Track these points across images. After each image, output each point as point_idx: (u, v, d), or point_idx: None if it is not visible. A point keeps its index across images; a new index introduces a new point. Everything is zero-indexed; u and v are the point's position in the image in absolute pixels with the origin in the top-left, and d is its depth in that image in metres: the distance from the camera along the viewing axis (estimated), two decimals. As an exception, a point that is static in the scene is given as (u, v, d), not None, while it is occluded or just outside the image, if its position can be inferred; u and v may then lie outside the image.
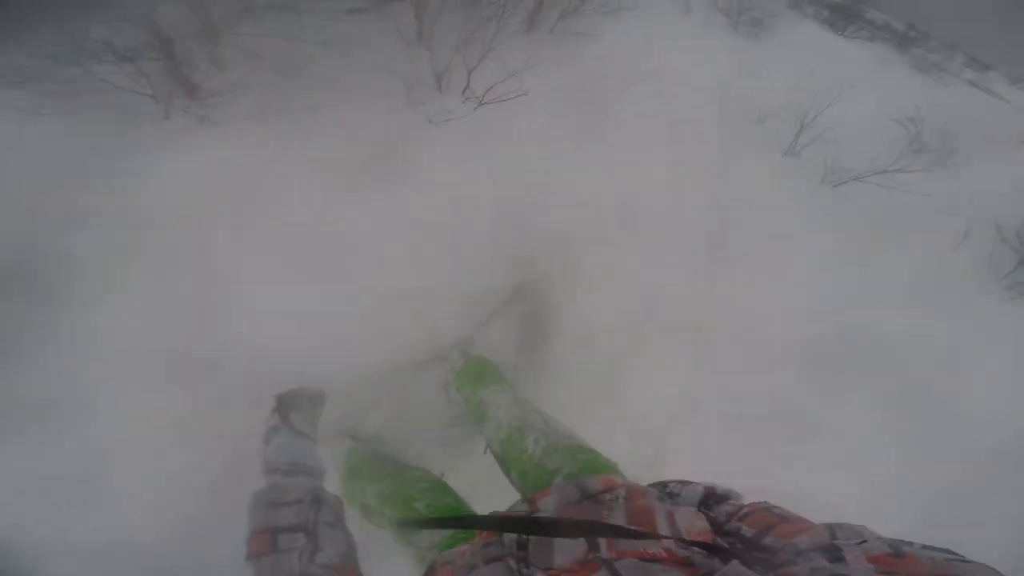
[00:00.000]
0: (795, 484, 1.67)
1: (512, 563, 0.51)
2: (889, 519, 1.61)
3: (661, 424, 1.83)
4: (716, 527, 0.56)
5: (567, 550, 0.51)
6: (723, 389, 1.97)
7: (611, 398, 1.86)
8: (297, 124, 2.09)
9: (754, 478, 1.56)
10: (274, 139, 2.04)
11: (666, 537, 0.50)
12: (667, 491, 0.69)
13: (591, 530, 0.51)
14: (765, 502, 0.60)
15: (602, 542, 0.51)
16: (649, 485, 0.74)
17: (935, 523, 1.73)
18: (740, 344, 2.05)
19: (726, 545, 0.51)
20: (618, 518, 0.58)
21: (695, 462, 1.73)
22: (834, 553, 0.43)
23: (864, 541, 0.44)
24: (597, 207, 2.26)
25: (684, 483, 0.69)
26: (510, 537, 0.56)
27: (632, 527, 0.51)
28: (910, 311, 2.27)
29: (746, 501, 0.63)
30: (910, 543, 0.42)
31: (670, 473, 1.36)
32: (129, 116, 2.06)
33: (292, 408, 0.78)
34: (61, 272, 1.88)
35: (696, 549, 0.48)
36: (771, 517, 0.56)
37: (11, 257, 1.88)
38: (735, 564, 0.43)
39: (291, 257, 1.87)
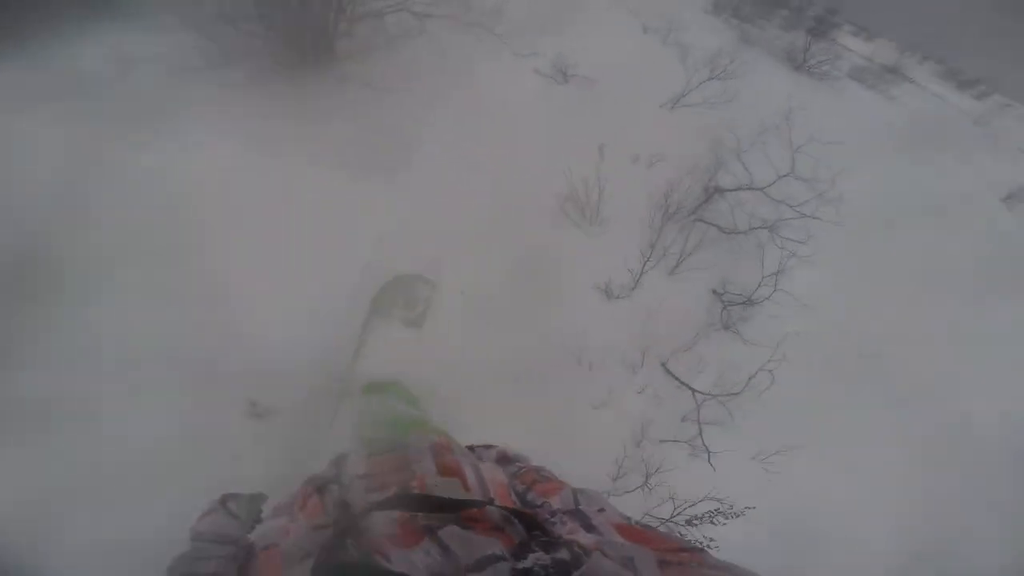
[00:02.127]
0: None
1: (350, 544, 0.49)
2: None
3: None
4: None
5: (384, 517, 0.50)
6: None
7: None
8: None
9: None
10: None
11: (477, 502, 0.52)
12: (474, 452, 0.75)
13: (412, 503, 0.51)
14: (538, 466, 0.67)
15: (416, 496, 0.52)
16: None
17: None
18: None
19: (526, 510, 0.52)
20: (428, 467, 0.60)
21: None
22: (584, 519, 0.49)
23: (602, 510, 0.50)
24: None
25: (487, 446, 0.77)
26: (333, 500, 0.56)
27: (447, 496, 0.53)
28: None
29: (533, 463, 0.69)
30: (630, 518, 0.49)
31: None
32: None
33: (231, 499, 0.78)
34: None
35: (500, 510, 0.49)
36: (535, 476, 0.63)
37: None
38: (596, 556, 0.44)
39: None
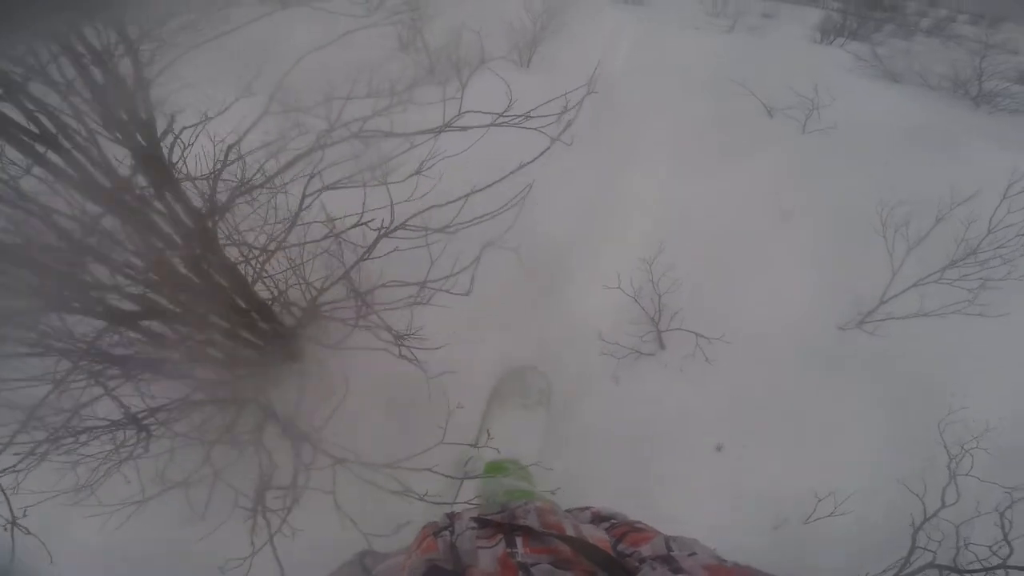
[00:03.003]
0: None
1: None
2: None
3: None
4: None
5: (489, 556, 0.54)
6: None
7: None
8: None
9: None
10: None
11: (574, 539, 0.54)
12: (571, 514, 0.76)
13: (510, 528, 0.57)
14: (634, 520, 0.68)
15: (518, 540, 0.55)
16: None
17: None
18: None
19: (619, 560, 0.53)
20: (532, 522, 0.61)
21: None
22: (673, 564, 0.48)
23: (694, 553, 0.51)
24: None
25: (581, 508, 0.78)
26: (445, 545, 0.58)
27: (544, 530, 0.57)
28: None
29: (628, 519, 0.70)
30: (725, 560, 0.48)
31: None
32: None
33: (368, 556, 0.87)
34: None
35: (595, 554, 0.51)
36: (627, 528, 0.64)
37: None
38: None
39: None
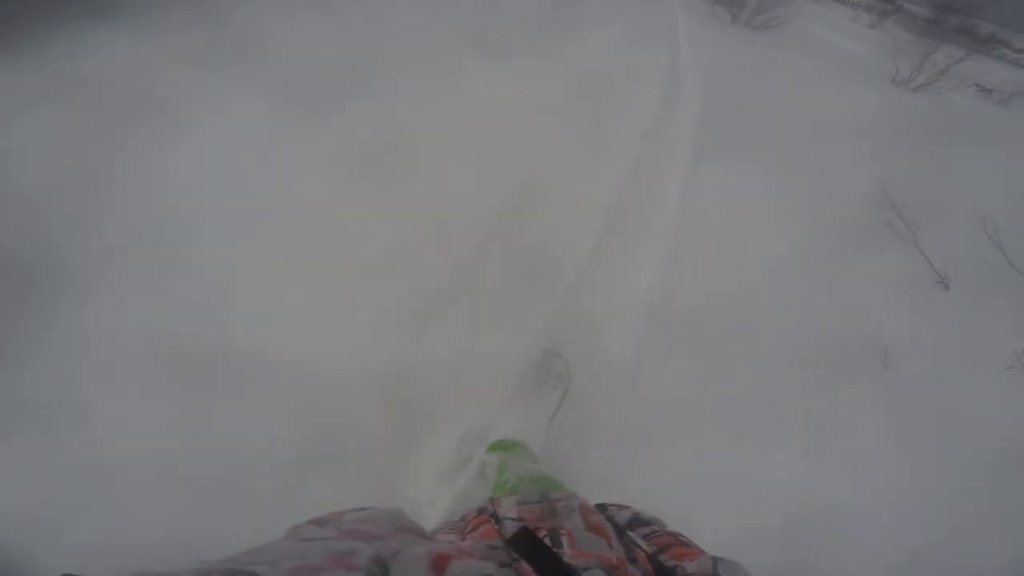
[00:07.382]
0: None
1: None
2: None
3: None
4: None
5: None
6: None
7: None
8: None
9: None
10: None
11: (624, 538, 0.57)
12: (606, 513, 0.74)
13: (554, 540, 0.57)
14: (676, 531, 0.68)
15: (564, 539, 0.56)
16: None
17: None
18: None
19: (667, 566, 0.56)
20: (576, 523, 0.62)
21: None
22: None
23: None
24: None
25: (620, 506, 0.76)
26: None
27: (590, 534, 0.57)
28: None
29: (669, 528, 0.70)
30: None
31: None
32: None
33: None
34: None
35: (641, 562, 0.54)
36: (671, 539, 0.63)
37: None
38: None
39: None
